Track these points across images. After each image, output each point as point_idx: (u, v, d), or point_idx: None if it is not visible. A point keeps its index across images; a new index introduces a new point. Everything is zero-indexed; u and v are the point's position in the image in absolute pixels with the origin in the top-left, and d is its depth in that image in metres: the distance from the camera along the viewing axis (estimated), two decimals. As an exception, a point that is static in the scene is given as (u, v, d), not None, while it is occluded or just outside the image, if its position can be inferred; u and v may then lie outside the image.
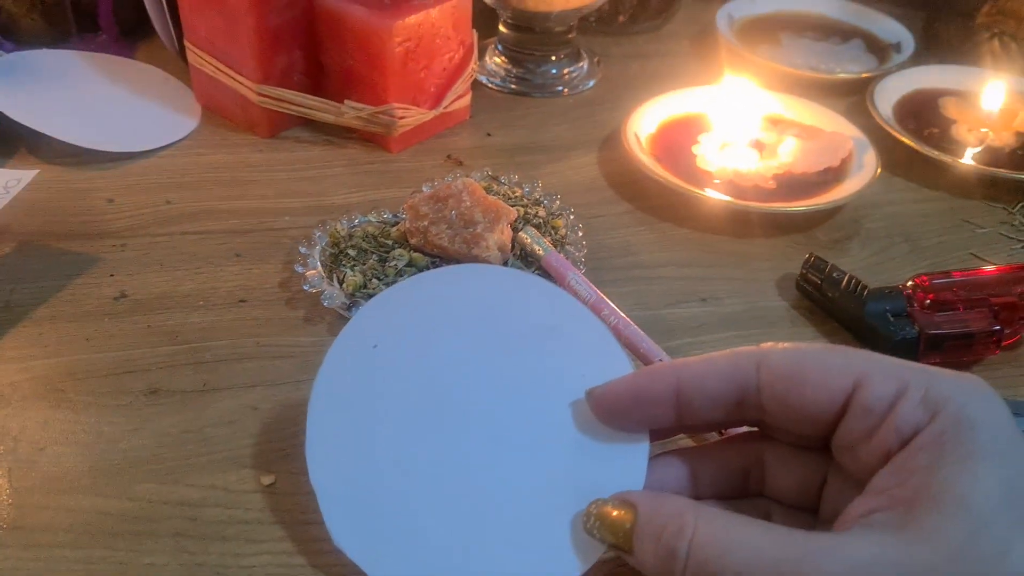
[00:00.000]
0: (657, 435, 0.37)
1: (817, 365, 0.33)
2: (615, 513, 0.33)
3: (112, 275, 0.53)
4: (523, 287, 0.41)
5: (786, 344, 0.34)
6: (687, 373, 0.34)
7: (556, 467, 0.37)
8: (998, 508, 0.28)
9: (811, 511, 0.36)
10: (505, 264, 0.52)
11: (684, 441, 0.42)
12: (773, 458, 0.37)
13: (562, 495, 0.36)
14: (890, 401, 0.31)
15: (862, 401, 0.31)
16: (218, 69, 0.66)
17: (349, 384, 0.39)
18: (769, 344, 0.34)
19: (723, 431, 0.43)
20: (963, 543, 0.28)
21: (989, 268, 0.53)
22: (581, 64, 0.79)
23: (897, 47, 0.83)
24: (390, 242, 0.54)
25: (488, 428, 0.38)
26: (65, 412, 0.44)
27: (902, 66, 0.78)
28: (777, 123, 0.69)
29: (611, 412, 0.36)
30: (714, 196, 0.61)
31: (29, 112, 0.62)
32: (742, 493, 0.37)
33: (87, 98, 0.68)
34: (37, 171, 0.55)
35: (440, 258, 0.53)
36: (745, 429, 0.38)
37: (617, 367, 0.38)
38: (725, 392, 0.34)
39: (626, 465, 0.36)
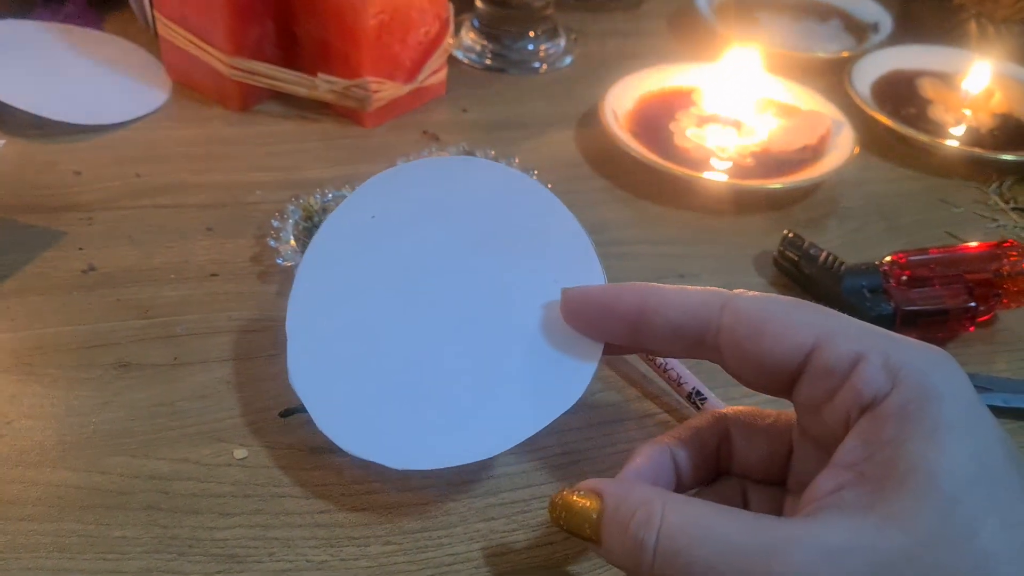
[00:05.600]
0: (612, 350, 0.38)
1: (780, 317, 0.32)
2: (581, 503, 0.32)
3: (80, 248, 0.52)
4: (522, 188, 0.43)
5: (756, 293, 0.34)
6: (655, 298, 0.35)
7: (508, 358, 0.39)
8: (967, 485, 0.27)
9: (781, 484, 0.36)
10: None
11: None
12: (738, 434, 0.36)
13: (506, 384, 0.38)
14: (850, 363, 0.30)
15: (822, 360, 0.31)
16: (189, 41, 0.64)
17: (342, 246, 0.42)
18: (741, 290, 0.34)
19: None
20: (934, 524, 0.27)
21: (965, 245, 0.53)
22: (558, 41, 0.79)
23: (875, 27, 0.82)
24: (365, 216, 0.53)
25: (456, 311, 0.40)
26: (33, 386, 0.43)
27: (880, 46, 0.78)
28: (755, 101, 0.69)
29: (576, 314, 0.38)
30: (691, 173, 0.60)
31: (-7, 82, 0.61)
32: (718, 474, 0.37)
33: (53, 69, 0.67)
34: (3, 141, 0.53)
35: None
36: (711, 412, 0.38)
37: (590, 279, 0.40)
38: (686, 325, 0.34)
39: (571, 375, 0.38)
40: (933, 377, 0.29)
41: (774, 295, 0.33)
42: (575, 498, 0.32)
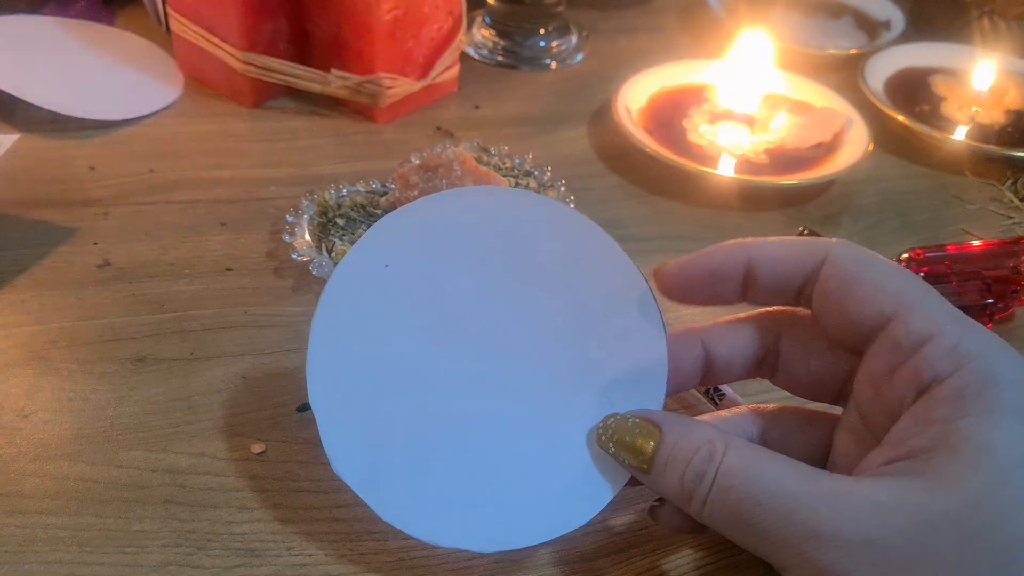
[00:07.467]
0: (674, 388, 0.37)
1: (870, 279, 0.32)
2: (638, 431, 0.33)
3: (95, 243, 0.52)
4: (546, 213, 0.38)
5: (857, 247, 0.33)
6: (760, 252, 0.34)
7: (567, 403, 0.35)
8: (1020, 461, 0.28)
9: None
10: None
11: (700, 319, 0.41)
12: (792, 347, 0.36)
13: (572, 433, 0.35)
14: (919, 341, 0.30)
15: (893, 334, 0.31)
16: (202, 37, 0.64)
17: (356, 304, 0.36)
18: (843, 240, 0.34)
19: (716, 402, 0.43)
20: (983, 491, 0.27)
21: (982, 242, 0.53)
22: (569, 38, 0.79)
23: (887, 24, 0.82)
24: (379, 212, 0.53)
25: (500, 359, 0.36)
26: (50, 379, 0.43)
27: (892, 43, 0.78)
28: (768, 98, 0.69)
29: (682, 288, 0.36)
30: (706, 169, 0.60)
31: (6, 77, 0.60)
32: (752, 375, 0.37)
33: (66, 65, 0.67)
34: (18, 136, 0.53)
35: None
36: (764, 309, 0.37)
37: (645, 309, 0.37)
38: (795, 275, 0.34)
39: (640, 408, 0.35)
40: (996, 364, 0.30)
41: (872, 253, 0.33)
42: (628, 426, 0.33)
